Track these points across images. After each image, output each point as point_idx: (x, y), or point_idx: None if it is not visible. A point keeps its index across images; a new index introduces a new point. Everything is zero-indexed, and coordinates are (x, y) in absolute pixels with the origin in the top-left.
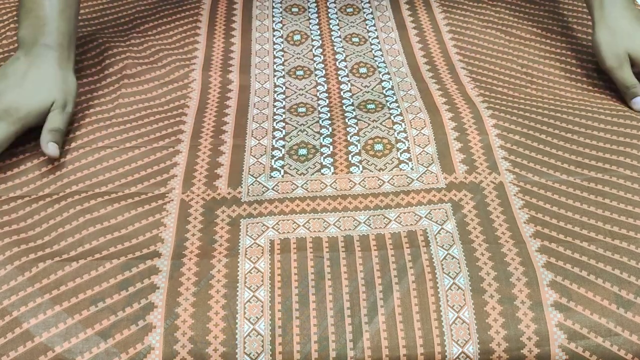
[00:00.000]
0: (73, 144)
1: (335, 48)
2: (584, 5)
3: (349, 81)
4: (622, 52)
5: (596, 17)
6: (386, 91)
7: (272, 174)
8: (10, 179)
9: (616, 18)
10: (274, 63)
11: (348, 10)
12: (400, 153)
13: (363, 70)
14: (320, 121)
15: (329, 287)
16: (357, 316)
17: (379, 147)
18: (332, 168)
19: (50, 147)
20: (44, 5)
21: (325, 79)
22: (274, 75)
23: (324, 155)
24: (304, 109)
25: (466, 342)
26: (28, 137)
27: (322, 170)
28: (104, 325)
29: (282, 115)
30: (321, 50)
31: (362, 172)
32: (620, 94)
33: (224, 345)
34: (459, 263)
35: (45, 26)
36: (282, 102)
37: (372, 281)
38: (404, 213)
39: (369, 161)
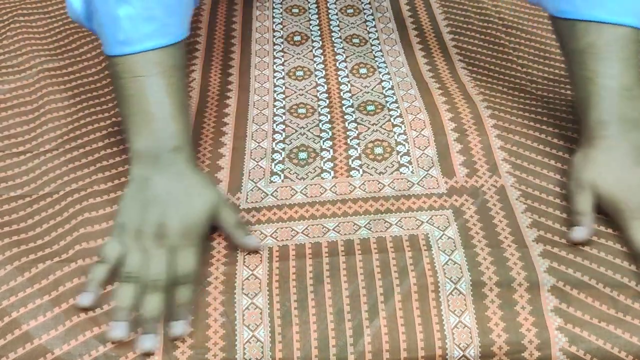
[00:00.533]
0: (73, 144)
1: (335, 49)
2: None
3: (348, 82)
4: (586, 185)
5: (584, 136)
6: (386, 91)
7: (272, 178)
8: (10, 178)
9: (602, 151)
10: (274, 63)
11: (349, 11)
12: (401, 156)
13: (363, 70)
14: (320, 124)
15: (327, 290)
16: (357, 319)
17: (378, 150)
18: (332, 172)
19: (251, 239)
20: (162, 106)
21: (325, 80)
22: (274, 77)
23: (324, 160)
24: (303, 110)
25: (468, 345)
26: (29, 138)
27: (322, 175)
28: (102, 329)
29: (282, 117)
30: (321, 51)
31: (362, 175)
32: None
33: (223, 351)
34: (460, 268)
35: (169, 129)
36: (282, 102)
37: (373, 284)
38: (405, 217)
39: (369, 165)
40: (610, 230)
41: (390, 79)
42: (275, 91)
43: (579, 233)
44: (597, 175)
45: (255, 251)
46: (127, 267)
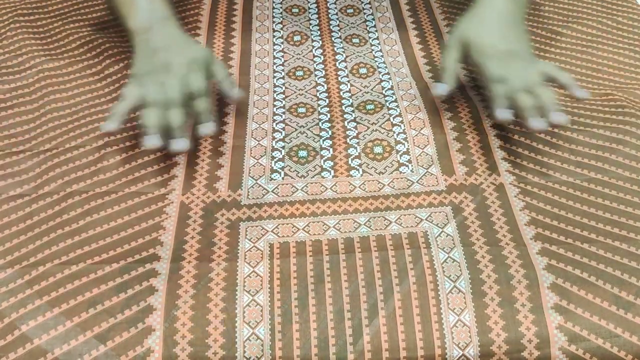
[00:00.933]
0: (73, 143)
1: (335, 49)
2: (583, 5)
3: (348, 81)
4: (462, 36)
5: (475, 4)
6: (385, 91)
7: (272, 175)
8: (10, 176)
9: (485, 10)
10: (274, 64)
11: (348, 11)
12: (400, 155)
13: (363, 70)
14: (320, 123)
15: (328, 289)
16: (357, 318)
17: (378, 149)
18: (332, 171)
19: (237, 91)
20: None
21: (324, 79)
22: (274, 77)
23: (324, 158)
24: (303, 110)
25: (467, 344)
26: (29, 138)
27: (322, 174)
28: (102, 328)
29: (281, 116)
30: (321, 51)
31: (362, 175)
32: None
33: (223, 348)
34: (459, 266)
35: (153, 4)
36: (281, 102)
37: (373, 283)
38: (405, 215)
39: (368, 164)
40: (609, 228)
41: (390, 79)
42: (275, 91)
43: (438, 88)
44: (473, 27)
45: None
46: (147, 96)
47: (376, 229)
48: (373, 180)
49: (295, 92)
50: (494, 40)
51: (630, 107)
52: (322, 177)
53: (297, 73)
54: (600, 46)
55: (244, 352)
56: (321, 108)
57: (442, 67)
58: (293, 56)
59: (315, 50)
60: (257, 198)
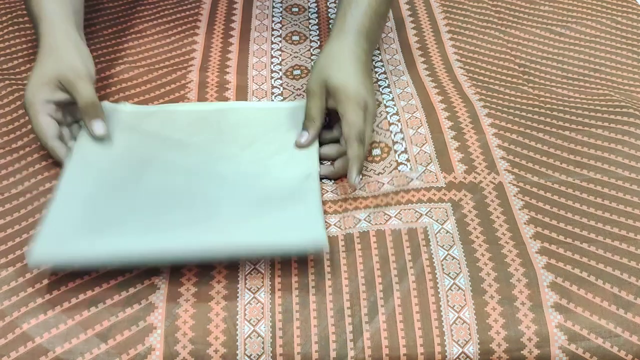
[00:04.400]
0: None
1: None
2: (583, 5)
3: None
4: (322, 81)
5: (328, 39)
6: (382, 89)
7: None
8: (12, 174)
9: (338, 49)
10: (272, 63)
11: None
12: (398, 155)
13: None
14: None
15: (329, 287)
16: (357, 316)
17: (376, 152)
18: None
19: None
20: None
21: None
22: (271, 77)
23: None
24: None
25: (466, 342)
26: (28, 134)
27: (323, 179)
28: (103, 327)
29: None
30: (319, 50)
31: (362, 178)
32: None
33: (224, 346)
34: (459, 263)
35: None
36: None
37: (372, 281)
38: (405, 210)
39: (367, 167)
40: (608, 228)
41: (386, 77)
42: (273, 92)
43: (302, 138)
44: (331, 71)
45: None
46: None
47: (376, 224)
48: (373, 181)
49: (293, 92)
50: (358, 89)
51: (630, 107)
52: (323, 182)
53: (295, 72)
54: (600, 46)
55: (245, 349)
56: None
57: (307, 115)
58: (291, 55)
59: (314, 50)
60: None
